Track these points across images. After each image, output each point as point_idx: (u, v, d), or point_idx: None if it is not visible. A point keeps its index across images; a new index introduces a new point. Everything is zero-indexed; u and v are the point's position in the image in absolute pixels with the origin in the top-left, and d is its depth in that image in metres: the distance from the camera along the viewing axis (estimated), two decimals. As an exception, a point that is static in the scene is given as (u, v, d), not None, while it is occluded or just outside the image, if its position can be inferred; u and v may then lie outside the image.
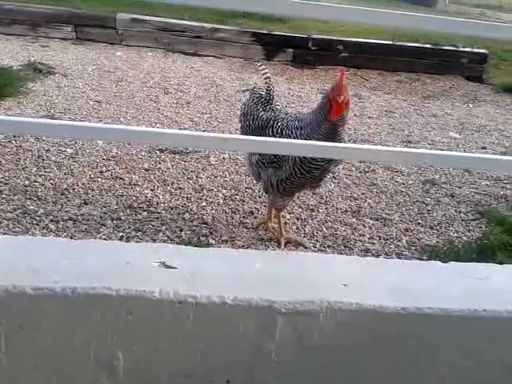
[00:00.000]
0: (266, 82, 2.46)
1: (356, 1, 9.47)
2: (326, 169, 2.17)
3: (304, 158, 2.07)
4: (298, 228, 2.67)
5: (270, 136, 2.23)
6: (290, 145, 1.37)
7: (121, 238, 2.40)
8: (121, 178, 2.98)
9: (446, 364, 1.32)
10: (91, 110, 4.10)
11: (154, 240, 2.40)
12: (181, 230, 2.52)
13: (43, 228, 2.42)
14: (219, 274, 1.32)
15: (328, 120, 2.06)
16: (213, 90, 5.03)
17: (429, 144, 4.16)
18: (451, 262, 1.54)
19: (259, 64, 2.64)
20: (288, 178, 2.20)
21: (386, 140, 4.02)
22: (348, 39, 6.49)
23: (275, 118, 2.33)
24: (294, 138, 2.14)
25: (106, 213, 2.60)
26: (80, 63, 5.43)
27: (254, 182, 3.14)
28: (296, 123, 2.20)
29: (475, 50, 6.67)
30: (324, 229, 2.65)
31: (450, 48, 6.63)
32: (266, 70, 2.47)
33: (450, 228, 2.81)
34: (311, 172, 2.14)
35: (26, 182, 2.82)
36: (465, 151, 4.05)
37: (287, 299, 1.24)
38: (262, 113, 2.41)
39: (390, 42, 6.57)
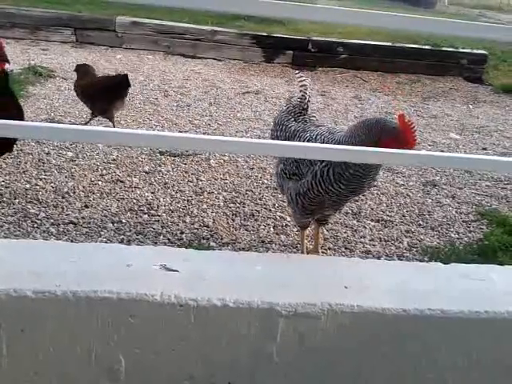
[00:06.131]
0: (300, 91, 2.24)
1: (356, 3, 9.50)
2: (349, 191, 1.98)
3: (325, 173, 1.94)
4: (298, 230, 2.66)
5: None
6: (287, 146, 1.37)
7: (121, 241, 2.40)
8: (121, 181, 2.99)
9: (448, 366, 1.31)
10: (91, 113, 4.10)
11: (155, 243, 2.41)
12: (182, 233, 2.52)
13: (44, 231, 2.42)
14: (220, 276, 1.32)
15: None
16: (213, 92, 5.04)
17: (429, 145, 4.15)
18: (452, 264, 1.54)
19: (297, 72, 2.40)
20: (306, 193, 2.05)
21: (386, 141, 4.01)
22: (347, 41, 6.50)
23: (304, 129, 2.15)
24: None
25: (106, 216, 2.60)
26: (80, 66, 5.43)
27: (256, 186, 3.14)
28: (331, 136, 2.02)
29: (475, 51, 6.67)
30: (325, 231, 2.64)
31: (449, 49, 6.64)
32: (303, 78, 2.25)
33: (451, 229, 2.81)
34: (331, 190, 1.97)
35: (27, 186, 2.82)
36: (465, 152, 4.05)
37: (288, 301, 1.24)
38: (292, 123, 2.21)
39: (390, 44, 6.57)
